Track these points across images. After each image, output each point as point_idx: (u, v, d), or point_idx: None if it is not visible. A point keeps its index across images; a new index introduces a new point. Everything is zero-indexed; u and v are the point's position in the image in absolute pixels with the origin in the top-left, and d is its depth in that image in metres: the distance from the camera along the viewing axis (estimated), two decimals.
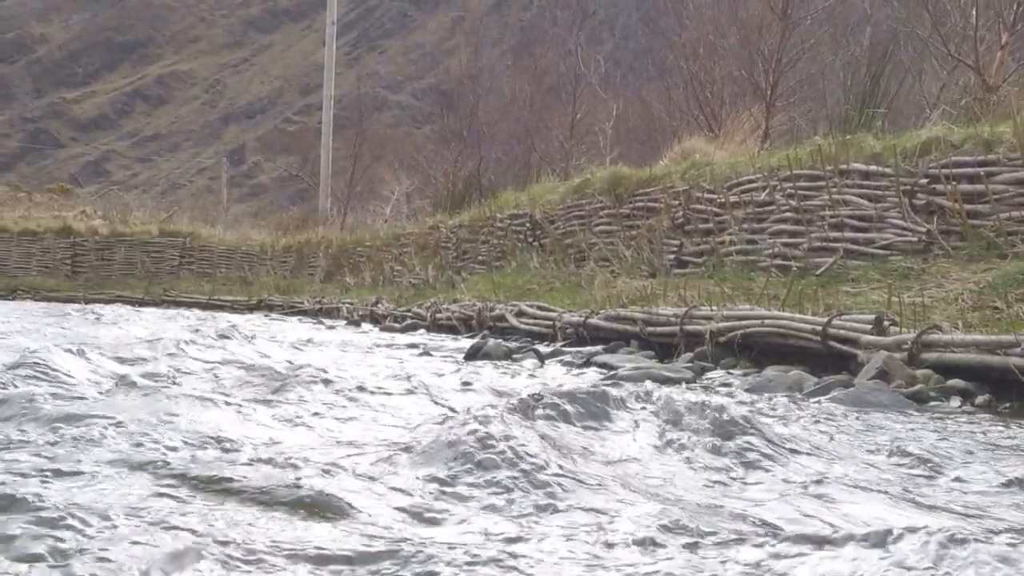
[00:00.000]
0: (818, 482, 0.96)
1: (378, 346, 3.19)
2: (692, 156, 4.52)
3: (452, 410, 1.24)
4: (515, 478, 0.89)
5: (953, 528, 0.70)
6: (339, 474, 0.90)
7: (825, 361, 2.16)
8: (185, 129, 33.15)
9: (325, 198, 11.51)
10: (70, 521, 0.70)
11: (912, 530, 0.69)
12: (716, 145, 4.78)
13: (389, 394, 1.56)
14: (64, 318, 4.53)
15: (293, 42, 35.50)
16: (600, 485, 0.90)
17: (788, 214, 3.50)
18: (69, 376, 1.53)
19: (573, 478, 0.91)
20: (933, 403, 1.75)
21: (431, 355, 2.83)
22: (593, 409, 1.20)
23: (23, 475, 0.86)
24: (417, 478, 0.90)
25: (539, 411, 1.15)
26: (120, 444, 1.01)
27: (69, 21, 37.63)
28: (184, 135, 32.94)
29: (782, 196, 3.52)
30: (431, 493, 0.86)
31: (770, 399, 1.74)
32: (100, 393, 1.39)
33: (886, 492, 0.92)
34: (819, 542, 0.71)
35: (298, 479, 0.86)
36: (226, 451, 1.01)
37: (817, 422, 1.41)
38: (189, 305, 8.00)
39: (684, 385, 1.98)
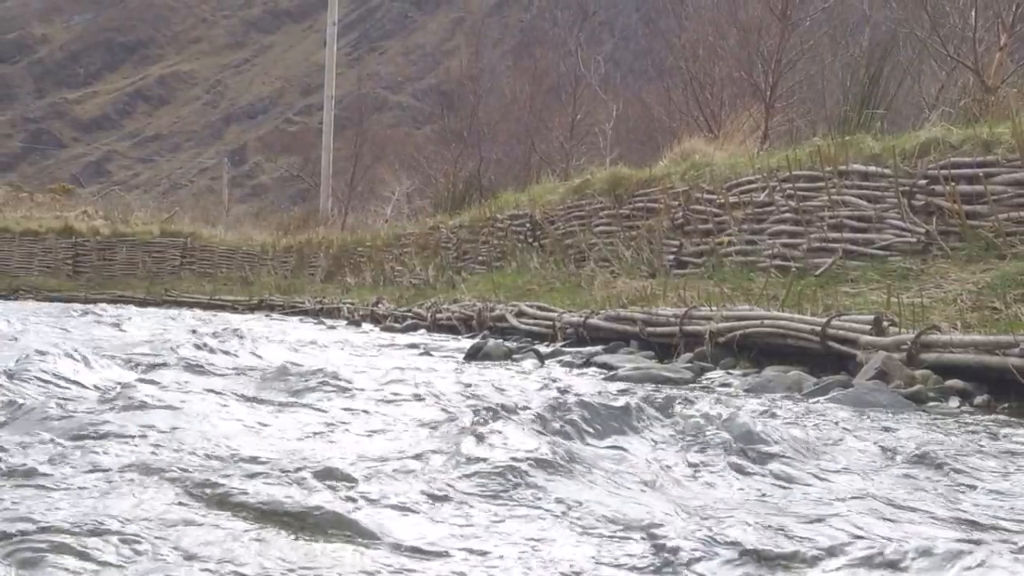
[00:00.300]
0: (859, 498, 0.93)
1: (379, 346, 3.20)
2: (692, 157, 4.52)
3: (462, 421, 1.17)
4: (534, 494, 0.85)
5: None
6: (355, 494, 0.85)
7: (824, 361, 2.17)
8: (186, 129, 33.21)
9: (326, 198, 11.53)
10: (75, 540, 0.67)
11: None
12: (716, 146, 4.79)
13: (396, 400, 1.53)
14: (67, 319, 4.52)
15: (294, 43, 35.55)
16: (638, 504, 0.86)
17: (787, 215, 3.50)
18: (73, 382, 1.50)
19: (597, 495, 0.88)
20: (932, 403, 1.75)
21: (431, 355, 2.84)
22: (612, 419, 1.18)
23: (26, 489, 0.83)
24: (433, 496, 0.86)
25: (555, 425, 1.13)
26: (125, 457, 0.98)
27: (71, 22, 37.71)
28: (185, 135, 32.99)
29: (781, 197, 3.53)
30: (450, 512, 0.82)
31: (772, 400, 1.74)
32: (105, 400, 1.33)
33: (927, 511, 0.88)
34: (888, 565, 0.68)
35: (311, 497, 0.82)
36: (236, 463, 0.96)
37: (844, 428, 1.37)
38: (190, 305, 8.00)
39: (687, 386, 1.99)
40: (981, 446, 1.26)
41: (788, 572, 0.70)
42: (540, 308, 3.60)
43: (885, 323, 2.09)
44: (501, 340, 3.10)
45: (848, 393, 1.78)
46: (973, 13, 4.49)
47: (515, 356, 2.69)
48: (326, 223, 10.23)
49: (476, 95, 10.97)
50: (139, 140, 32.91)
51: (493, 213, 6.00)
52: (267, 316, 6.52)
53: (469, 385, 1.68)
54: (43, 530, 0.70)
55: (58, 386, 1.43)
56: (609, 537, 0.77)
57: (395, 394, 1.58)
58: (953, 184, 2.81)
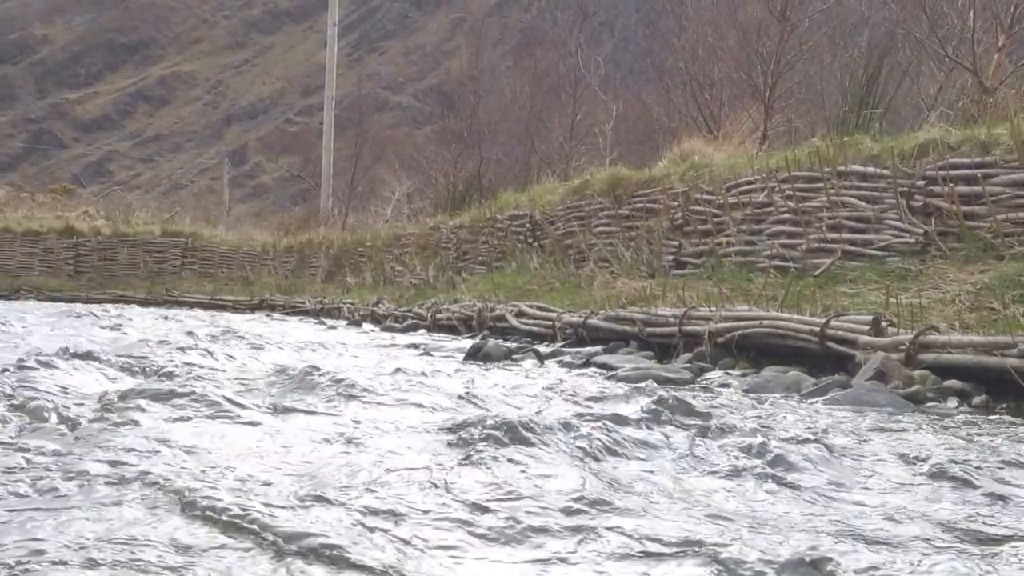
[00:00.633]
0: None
1: (380, 347, 3.20)
2: (691, 157, 4.53)
3: (476, 444, 1.09)
4: (581, 522, 0.80)
5: None
6: (368, 524, 0.78)
7: (823, 362, 2.17)
8: (187, 130, 33.23)
9: (326, 198, 11.53)
10: (75, 569, 0.63)
11: None
12: (715, 146, 4.79)
13: (403, 404, 1.51)
14: (69, 319, 4.52)
15: (294, 43, 35.57)
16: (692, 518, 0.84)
17: (786, 215, 3.51)
18: (74, 390, 1.46)
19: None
20: (930, 404, 1.75)
21: (432, 355, 2.84)
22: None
23: (21, 510, 0.79)
24: (477, 533, 0.79)
25: (580, 444, 1.09)
26: (127, 471, 0.93)
27: (72, 22, 37.75)
28: (186, 136, 33.02)
29: (780, 197, 3.53)
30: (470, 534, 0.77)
31: (772, 401, 1.75)
32: (109, 410, 1.27)
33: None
34: None
35: (321, 524, 0.76)
36: (244, 483, 0.90)
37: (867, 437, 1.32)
38: (191, 305, 8.00)
39: (687, 387, 1.99)
40: (988, 448, 1.27)
41: None
42: (540, 308, 3.61)
43: (884, 323, 2.09)
44: (501, 340, 3.12)
45: (847, 394, 1.78)
46: (971, 14, 4.49)
47: (515, 356, 2.70)
48: (327, 223, 10.23)
49: (476, 95, 10.97)
50: (140, 140, 32.93)
51: (493, 213, 6.00)
52: (268, 316, 6.51)
53: (475, 396, 1.61)
54: (35, 553, 0.67)
55: (59, 396, 1.37)
56: (671, 557, 0.74)
57: (409, 403, 1.53)
58: (951, 185, 2.82)
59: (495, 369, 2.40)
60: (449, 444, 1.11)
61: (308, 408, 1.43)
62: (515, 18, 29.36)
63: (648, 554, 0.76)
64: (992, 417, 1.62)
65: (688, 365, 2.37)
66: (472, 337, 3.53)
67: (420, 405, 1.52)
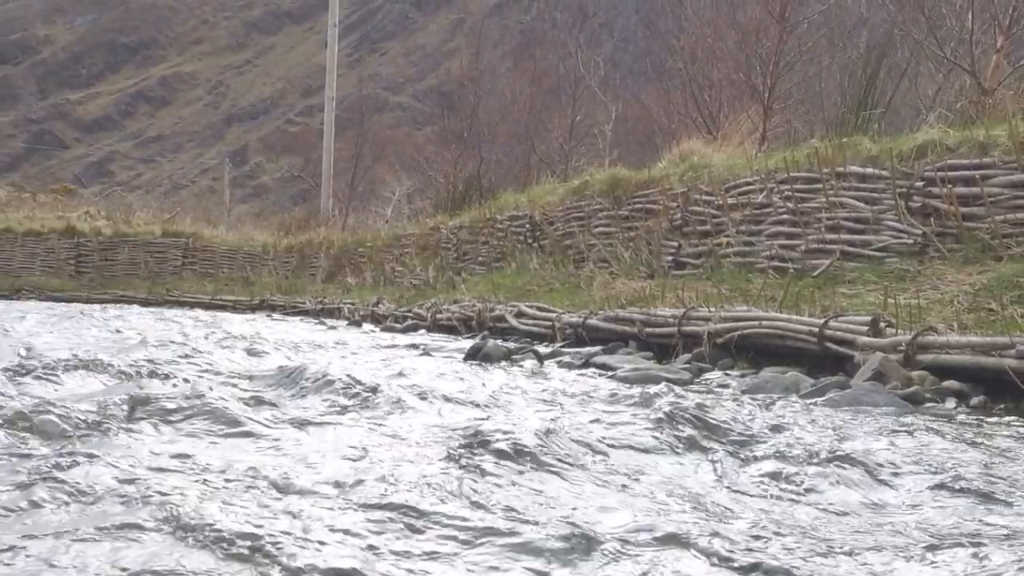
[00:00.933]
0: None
1: (381, 348, 3.20)
2: (690, 158, 4.53)
3: (471, 446, 1.06)
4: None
5: None
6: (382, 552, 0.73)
7: (822, 362, 2.18)
8: (188, 130, 33.26)
9: (327, 199, 11.54)
10: None
11: None
12: (714, 147, 4.79)
13: (411, 410, 1.49)
14: (70, 319, 4.51)
15: (295, 44, 35.61)
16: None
17: (785, 216, 3.51)
18: (75, 397, 1.40)
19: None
20: (928, 404, 1.76)
21: (432, 356, 2.84)
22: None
23: (19, 535, 0.74)
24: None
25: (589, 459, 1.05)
26: (128, 489, 0.88)
27: (73, 23, 37.80)
28: (187, 136, 33.05)
29: (779, 198, 3.54)
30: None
31: (771, 401, 1.74)
32: (114, 422, 1.22)
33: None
34: None
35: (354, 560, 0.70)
36: (262, 508, 0.84)
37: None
38: (192, 305, 7.99)
39: (686, 387, 1.98)
40: (992, 450, 1.26)
41: None
42: (539, 309, 3.61)
43: (882, 324, 2.10)
44: (501, 341, 3.12)
45: (845, 394, 1.79)
46: (970, 15, 4.49)
47: (515, 357, 2.70)
48: (327, 223, 10.23)
49: (476, 96, 10.96)
50: (141, 141, 32.97)
51: (493, 214, 6.00)
52: (268, 316, 6.51)
53: (477, 402, 1.59)
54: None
55: (59, 405, 1.27)
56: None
57: (416, 410, 1.49)
58: (950, 186, 2.82)
59: (495, 370, 2.40)
60: (450, 458, 1.06)
61: (308, 418, 1.41)
62: (515, 19, 29.40)
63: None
64: (991, 418, 1.63)
65: (687, 365, 2.37)
66: (472, 337, 3.53)
67: (421, 412, 1.51)
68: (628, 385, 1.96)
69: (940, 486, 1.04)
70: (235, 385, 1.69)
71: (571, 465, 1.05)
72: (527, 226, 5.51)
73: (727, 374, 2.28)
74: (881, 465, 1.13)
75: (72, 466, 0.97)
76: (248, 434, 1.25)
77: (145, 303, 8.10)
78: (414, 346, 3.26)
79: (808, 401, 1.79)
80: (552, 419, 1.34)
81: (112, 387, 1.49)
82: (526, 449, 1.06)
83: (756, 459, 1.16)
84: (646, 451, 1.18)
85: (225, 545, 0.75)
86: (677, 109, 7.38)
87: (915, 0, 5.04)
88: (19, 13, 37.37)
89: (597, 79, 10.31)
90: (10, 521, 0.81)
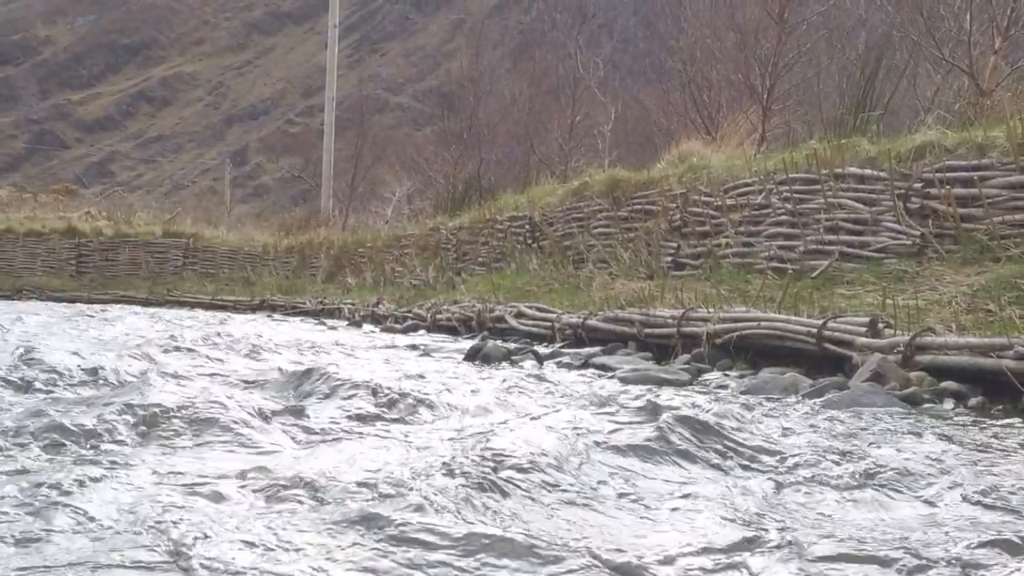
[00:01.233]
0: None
1: (381, 349, 3.20)
2: (689, 159, 4.53)
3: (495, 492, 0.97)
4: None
5: None
6: None
7: (820, 363, 2.18)
8: (189, 130, 33.29)
9: (327, 199, 11.56)
10: None
11: None
12: (713, 148, 4.80)
13: (412, 414, 1.48)
14: (71, 320, 4.50)
15: (295, 44, 35.64)
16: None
17: (784, 217, 3.52)
18: (76, 402, 1.35)
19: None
20: (927, 405, 1.76)
21: (432, 356, 2.85)
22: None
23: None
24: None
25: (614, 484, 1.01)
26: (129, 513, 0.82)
27: (74, 23, 37.84)
28: (188, 136, 33.08)
29: (778, 199, 3.54)
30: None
31: (770, 402, 1.75)
32: (119, 435, 1.17)
33: None
34: None
35: None
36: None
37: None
38: (192, 305, 8.00)
39: (686, 388, 1.99)
40: (996, 451, 1.26)
41: None
42: (539, 309, 3.62)
43: (881, 325, 2.10)
44: (500, 341, 3.13)
45: (844, 395, 1.78)
46: (968, 16, 4.49)
47: (514, 357, 2.70)
48: (327, 224, 10.24)
49: (476, 97, 10.95)
50: (142, 141, 33.00)
51: (492, 214, 6.01)
52: (269, 317, 6.50)
53: (479, 408, 1.56)
54: None
55: (58, 412, 1.23)
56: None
57: (422, 421, 1.46)
58: (948, 187, 2.83)
59: (495, 370, 2.40)
60: (455, 470, 1.01)
61: (309, 424, 1.40)
62: (514, 20, 29.39)
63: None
64: (989, 419, 1.63)
65: (686, 366, 2.38)
66: (472, 338, 3.53)
67: (422, 419, 1.50)
68: (627, 386, 1.97)
69: (945, 490, 1.03)
70: (238, 392, 1.66)
71: (575, 478, 1.03)
72: (527, 227, 5.51)
73: (726, 375, 2.29)
74: (883, 466, 1.14)
75: (76, 485, 0.91)
76: (249, 444, 1.23)
77: (146, 303, 8.11)
78: (414, 347, 3.26)
79: (807, 402, 1.80)
80: (552, 424, 1.34)
81: (116, 396, 1.44)
82: (530, 462, 1.05)
83: (757, 460, 1.16)
84: (647, 455, 1.17)
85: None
86: (676, 110, 7.38)
87: (913, 1, 5.05)
88: (20, 14, 37.43)
89: (596, 80, 10.32)
90: (11, 550, 0.74)
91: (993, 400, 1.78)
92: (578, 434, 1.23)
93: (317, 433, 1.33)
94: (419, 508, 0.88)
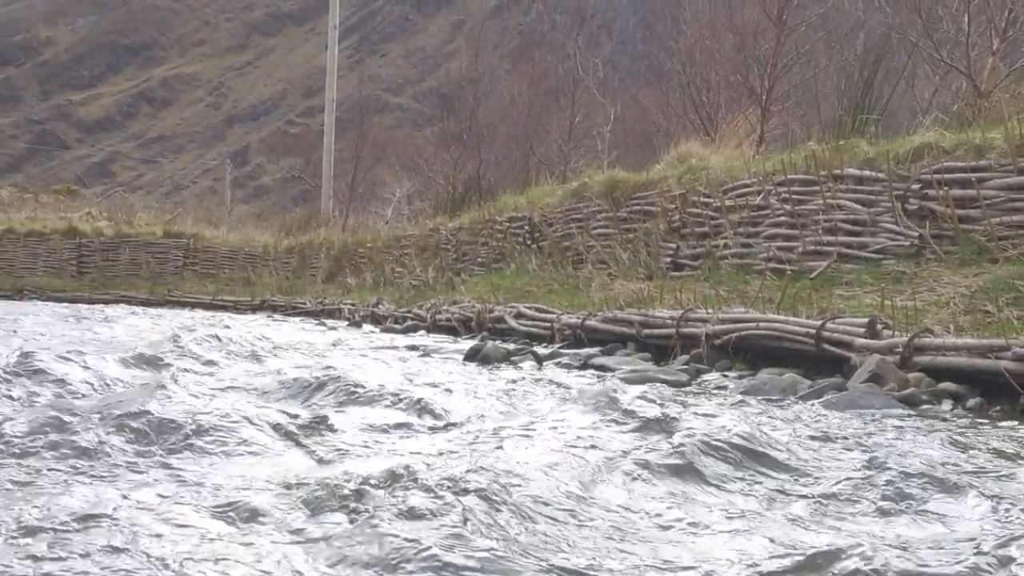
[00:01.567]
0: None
1: (381, 349, 3.19)
2: (688, 160, 4.53)
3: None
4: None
5: None
6: None
7: (819, 364, 2.19)
8: (189, 131, 33.32)
9: (327, 200, 11.57)
10: None
11: None
12: (712, 149, 4.80)
13: (413, 418, 1.47)
14: (72, 320, 4.50)
15: (296, 45, 35.69)
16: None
17: (783, 218, 3.53)
18: (77, 408, 1.30)
19: None
20: (925, 406, 1.76)
21: (431, 357, 2.85)
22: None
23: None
24: None
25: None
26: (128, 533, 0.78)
27: (75, 24, 37.89)
28: (188, 137, 33.11)
29: (777, 200, 3.55)
30: None
31: (769, 403, 1.75)
32: (123, 445, 1.13)
33: None
34: None
35: None
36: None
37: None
38: (193, 306, 8.02)
39: (685, 389, 1.99)
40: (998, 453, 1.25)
41: None
42: (538, 310, 3.62)
43: (879, 326, 2.10)
44: (500, 342, 3.14)
45: (843, 396, 1.79)
46: (966, 18, 4.49)
47: (513, 358, 2.71)
48: (327, 224, 10.25)
49: (475, 98, 10.96)
50: (143, 141, 33.03)
51: (492, 215, 6.01)
52: (269, 317, 6.51)
53: (480, 414, 1.55)
54: None
55: (58, 418, 1.20)
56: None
57: (425, 429, 1.43)
58: (946, 188, 2.83)
59: (494, 371, 2.41)
60: (458, 478, 0.99)
61: (312, 431, 1.39)
62: (514, 21, 29.43)
63: None
64: (988, 420, 1.63)
65: (685, 367, 2.38)
66: (471, 338, 3.54)
67: (424, 423, 1.50)
68: (626, 387, 1.99)
69: (947, 491, 1.02)
70: (235, 395, 1.66)
71: (580, 483, 1.03)
72: (526, 227, 5.52)
73: (725, 375, 2.29)
74: (884, 467, 1.13)
75: (78, 502, 0.87)
76: (257, 452, 1.22)
77: (146, 304, 8.11)
78: (414, 348, 3.26)
79: (806, 403, 1.80)
80: (553, 426, 1.34)
81: (119, 402, 1.42)
82: (532, 470, 1.04)
83: (756, 462, 1.16)
84: (648, 459, 1.17)
85: None
86: (675, 111, 7.40)
87: (912, 3, 5.04)
88: (22, 14, 37.48)
89: (596, 81, 10.34)
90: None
91: (991, 401, 1.79)
92: (585, 446, 1.22)
93: (321, 439, 1.32)
94: (417, 516, 0.87)
